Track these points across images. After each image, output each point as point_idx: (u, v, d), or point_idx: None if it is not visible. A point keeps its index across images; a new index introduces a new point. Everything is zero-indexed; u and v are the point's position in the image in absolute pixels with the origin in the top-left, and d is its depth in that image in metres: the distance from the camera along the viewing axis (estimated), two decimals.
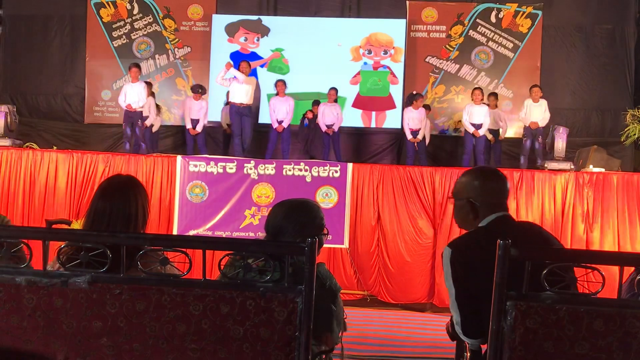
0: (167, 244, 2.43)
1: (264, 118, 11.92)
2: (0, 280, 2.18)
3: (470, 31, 12.73)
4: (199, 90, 11.03)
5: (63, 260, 2.27)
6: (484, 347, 2.38)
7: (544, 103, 10.41)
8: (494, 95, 11.39)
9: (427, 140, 11.42)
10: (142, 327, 2.16)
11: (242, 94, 10.25)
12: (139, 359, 2.17)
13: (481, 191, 2.74)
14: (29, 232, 2.66)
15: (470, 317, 2.47)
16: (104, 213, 2.56)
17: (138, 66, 10.55)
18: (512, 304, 2.11)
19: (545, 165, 9.42)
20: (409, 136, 10.80)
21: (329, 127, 10.87)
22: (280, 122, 10.67)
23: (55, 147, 10.68)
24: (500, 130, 11.11)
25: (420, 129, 10.79)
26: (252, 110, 10.75)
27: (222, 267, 2.28)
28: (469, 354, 2.65)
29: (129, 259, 2.21)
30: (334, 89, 11.17)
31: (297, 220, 2.99)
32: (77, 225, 6.66)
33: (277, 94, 10.95)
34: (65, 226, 6.84)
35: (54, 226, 6.82)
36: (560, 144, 9.66)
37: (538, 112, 10.36)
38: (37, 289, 2.18)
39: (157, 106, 11.76)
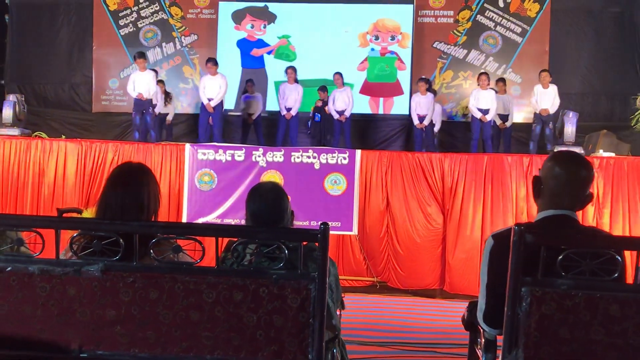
0: (179, 232, 2.43)
1: (271, 105, 11.90)
2: (13, 270, 2.18)
3: (478, 16, 12.63)
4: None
5: (76, 249, 2.27)
6: (499, 338, 2.35)
7: (553, 89, 10.30)
8: (502, 80, 11.31)
9: (438, 126, 11.37)
10: (155, 315, 2.16)
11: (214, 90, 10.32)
12: (153, 347, 2.18)
13: (548, 173, 2.50)
14: (41, 221, 2.66)
15: (494, 307, 2.44)
16: (116, 201, 2.54)
17: (143, 55, 10.47)
18: (527, 290, 2.10)
19: (555, 150, 9.35)
20: (417, 122, 10.75)
21: (340, 113, 10.82)
22: (288, 110, 10.61)
23: (63, 136, 10.67)
24: (509, 116, 11.05)
25: (427, 114, 10.73)
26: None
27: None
28: (483, 341, 2.64)
29: (142, 247, 2.21)
30: (339, 74, 11.07)
31: (286, 205, 2.92)
32: (88, 213, 6.69)
33: (287, 81, 10.86)
34: (76, 215, 6.87)
35: (65, 215, 6.84)
36: (569, 128, 9.58)
37: (548, 99, 10.26)
38: (50, 277, 2.18)
39: (168, 94, 11.70)
